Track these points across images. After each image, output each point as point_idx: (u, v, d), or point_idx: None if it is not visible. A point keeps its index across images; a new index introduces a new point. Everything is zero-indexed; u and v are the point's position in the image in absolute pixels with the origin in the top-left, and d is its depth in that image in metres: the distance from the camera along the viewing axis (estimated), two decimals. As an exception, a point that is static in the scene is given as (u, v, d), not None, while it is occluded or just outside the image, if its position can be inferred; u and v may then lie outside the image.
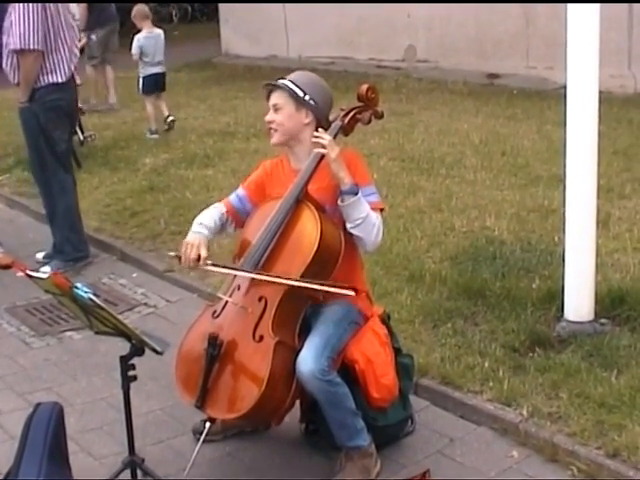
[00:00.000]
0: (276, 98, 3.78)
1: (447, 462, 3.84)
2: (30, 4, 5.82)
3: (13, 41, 5.87)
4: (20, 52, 5.91)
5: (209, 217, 3.92)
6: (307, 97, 3.74)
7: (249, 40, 15.25)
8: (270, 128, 3.81)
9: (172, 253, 3.98)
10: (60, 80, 6.10)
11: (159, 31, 10.22)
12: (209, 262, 3.71)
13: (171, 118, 10.17)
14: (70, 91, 6.31)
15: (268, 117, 3.81)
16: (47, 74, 6.04)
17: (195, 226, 3.87)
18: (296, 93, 3.74)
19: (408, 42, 12.93)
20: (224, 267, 3.75)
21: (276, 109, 3.77)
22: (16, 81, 6.10)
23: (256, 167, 4.06)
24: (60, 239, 6.46)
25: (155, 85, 10.18)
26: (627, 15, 10.31)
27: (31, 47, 5.87)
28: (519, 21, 11.52)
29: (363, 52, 13.48)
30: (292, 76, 3.84)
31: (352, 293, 3.56)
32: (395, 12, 12.80)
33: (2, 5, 6.09)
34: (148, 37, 10.02)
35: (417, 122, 9.47)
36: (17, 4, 5.84)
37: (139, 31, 10.05)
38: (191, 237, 3.79)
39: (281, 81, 3.80)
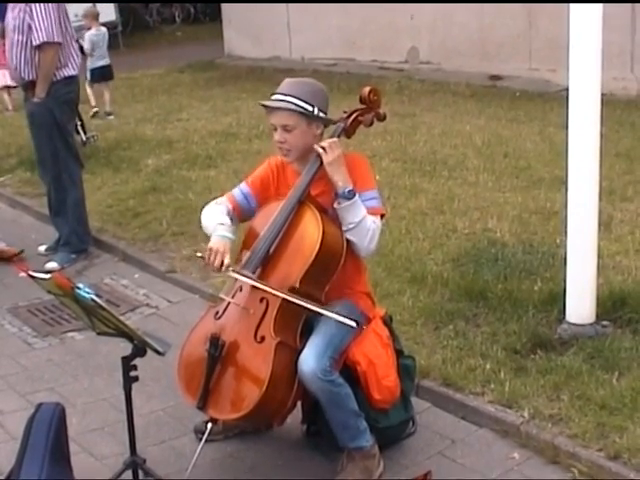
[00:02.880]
0: (285, 119, 3.64)
1: (448, 463, 3.84)
2: None
3: (38, 36, 5.96)
4: (40, 46, 6.00)
5: (222, 215, 3.79)
6: (316, 110, 3.65)
7: (252, 41, 15.27)
8: (282, 148, 3.70)
9: (199, 254, 3.83)
10: (73, 73, 6.27)
11: (104, 29, 11.98)
12: (231, 269, 3.64)
13: (111, 117, 11.36)
14: (78, 83, 6.46)
15: (279, 137, 3.67)
16: (62, 68, 6.18)
17: (218, 229, 3.71)
18: (307, 110, 3.63)
19: (411, 44, 12.95)
20: (248, 277, 3.63)
21: (287, 130, 3.65)
22: (31, 77, 6.15)
23: (261, 162, 3.99)
24: (68, 231, 6.55)
25: (102, 75, 11.76)
26: (630, 18, 10.32)
27: (55, 39, 6.02)
28: (522, 23, 11.53)
29: (366, 54, 13.50)
30: (291, 89, 3.67)
31: (354, 325, 3.52)
32: (398, 14, 12.82)
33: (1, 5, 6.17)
34: (97, 34, 11.67)
35: (419, 124, 9.48)
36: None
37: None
38: (215, 242, 3.66)
39: (286, 99, 3.64)
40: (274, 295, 3.55)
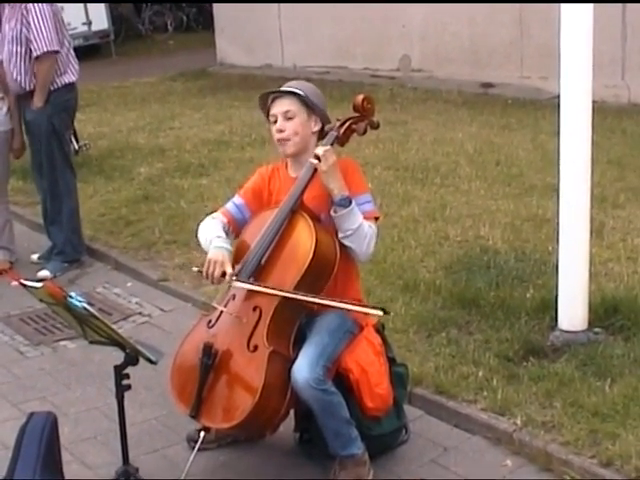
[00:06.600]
0: (288, 105, 3.72)
1: (441, 471, 3.84)
2: (43, 5, 5.93)
3: (37, 46, 5.94)
4: (38, 56, 5.98)
5: (218, 229, 3.81)
6: (315, 104, 3.75)
7: (244, 49, 15.27)
8: (281, 138, 3.73)
9: (195, 269, 3.83)
10: (73, 79, 6.27)
11: None
12: (235, 278, 3.64)
13: None
14: (77, 89, 6.44)
15: (279, 125, 3.72)
16: (61, 75, 6.17)
17: (214, 241, 3.73)
18: (310, 99, 3.72)
19: (403, 52, 12.96)
20: (250, 284, 3.64)
21: (288, 117, 3.71)
22: (31, 87, 6.12)
23: (252, 173, 4.03)
24: (62, 240, 6.52)
25: None
26: (620, 25, 10.34)
27: (56, 48, 6.01)
28: (513, 31, 11.56)
29: (358, 62, 13.50)
30: (294, 84, 3.81)
31: (381, 313, 3.57)
32: (390, 22, 12.84)
33: None
34: None
35: (412, 131, 9.48)
36: (31, 8, 5.93)
37: None
38: (214, 253, 3.66)
39: (292, 88, 3.76)
40: (286, 297, 3.55)
